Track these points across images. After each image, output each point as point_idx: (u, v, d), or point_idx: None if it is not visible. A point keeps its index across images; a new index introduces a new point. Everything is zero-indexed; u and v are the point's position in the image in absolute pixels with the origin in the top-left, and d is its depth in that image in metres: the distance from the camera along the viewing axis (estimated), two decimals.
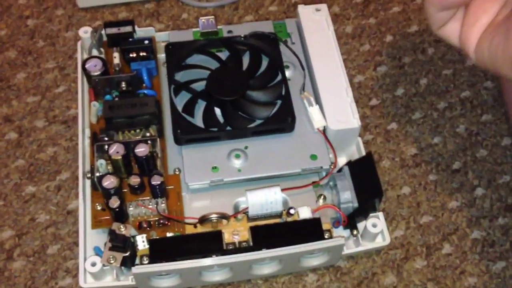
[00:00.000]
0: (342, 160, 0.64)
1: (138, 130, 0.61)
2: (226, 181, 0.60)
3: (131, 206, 0.57)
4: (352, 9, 0.79)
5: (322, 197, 0.61)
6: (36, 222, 0.62)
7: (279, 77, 0.64)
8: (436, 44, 0.76)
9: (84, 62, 0.63)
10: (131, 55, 0.66)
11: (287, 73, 0.66)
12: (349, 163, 0.60)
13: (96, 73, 0.62)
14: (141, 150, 0.58)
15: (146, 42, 0.66)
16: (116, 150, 0.57)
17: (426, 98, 0.72)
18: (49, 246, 0.61)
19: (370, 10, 0.79)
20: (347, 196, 0.58)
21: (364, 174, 0.59)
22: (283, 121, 0.61)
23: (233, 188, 0.60)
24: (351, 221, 0.59)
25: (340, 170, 0.61)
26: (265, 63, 0.66)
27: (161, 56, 0.68)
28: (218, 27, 0.69)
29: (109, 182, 0.56)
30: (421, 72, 0.74)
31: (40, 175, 0.65)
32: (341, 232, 0.60)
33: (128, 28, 0.67)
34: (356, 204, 0.58)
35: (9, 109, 0.69)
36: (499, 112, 0.71)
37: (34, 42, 0.74)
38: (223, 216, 0.57)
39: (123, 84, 0.63)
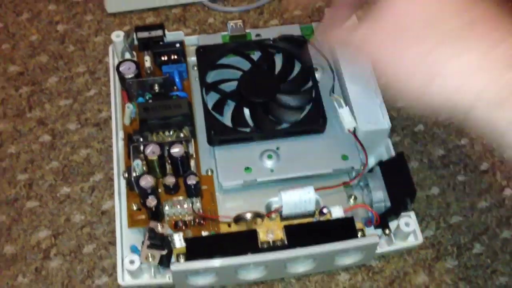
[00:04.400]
0: (371, 161, 0.64)
1: (171, 132, 0.62)
2: (259, 181, 0.61)
3: (166, 205, 0.58)
4: None
5: (353, 197, 0.61)
6: (71, 222, 0.63)
7: (310, 82, 0.65)
8: None
9: (118, 65, 0.64)
10: (162, 58, 0.67)
11: (317, 75, 0.67)
12: (380, 163, 0.61)
13: (129, 76, 0.64)
14: (176, 150, 0.59)
15: (177, 45, 0.67)
16: (152, 151, 0.58)
17: None
18: (85, 246, 0.61)
19: None
20: (380, 195, 0.59)
21: (396, 173, 0.59)
22: (314, 122, 0.62)
23: (265, 188, 0.61)
24: (383, 220, 0.59)
25: (371, 171, 0.61)
26: (295, 66, 0.67)
27: (191, 59, 0.69)
28: (246, 30, 0.70)
29: (146, 181, 0.57)
30: None
31: (74, 177, 0.66)
32: (372, 231, 0.60)
33: (158, 32, 0.68)
34: (388, 203, 0.58)
35: (42, 113, 0.70)
36: None
37: (65, 47, 0.76)
38: (257, 215, 0.58)
39: (156, 87, 0.64)
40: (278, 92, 0.64)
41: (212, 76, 0.66)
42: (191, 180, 0.58)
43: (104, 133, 0.69)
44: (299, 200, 0.58)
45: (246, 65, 0.67)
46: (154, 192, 0.57)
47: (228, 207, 0.60)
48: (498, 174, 0.68)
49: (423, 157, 0.68)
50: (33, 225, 0.62)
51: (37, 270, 0.60)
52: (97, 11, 0.79)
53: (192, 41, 0.71)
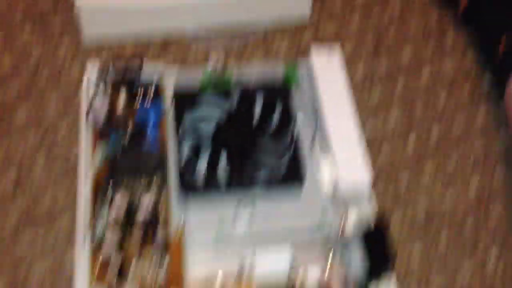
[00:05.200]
0: (353, 215, 0.61)
1: (141, 182, 0.59)
2: (232, 237, 0.58)
3: (132, 263, 0.55)
4: (364, 51, 0.77)
5: (333, 257, 0.58)
6: (32, 272, 0.60)
7: (289, 134, 0.62)
8: (449, 93, 0.74)
9: (89, 104, 0.61)
10: (137, 97, 0.64)
11: (298, 123, 0.64)
12: (359, 232, 0.58)
13: (100, 117, 0.61)
14: (146, 204, 0.56)
15: (154, 84, 0.64)
16: (119, 202, 0.56)
17: (438, 150, 0.70)
18: None
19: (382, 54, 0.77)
20: (357, 263, 0.56)
21: (375, 243, 0.57)
22: (291, 179, 0.60)
23: (239, 244, 0.58)
24: None
25: (349, 237, 0.58)
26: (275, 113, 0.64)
27: (168, 93, 0.66)
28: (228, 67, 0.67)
29: (108, 242, 0.54)
30: (434, 122, 0.72)
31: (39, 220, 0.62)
32: None
33: (135, 67, 0.65)
34: (364, 280, 0.56)
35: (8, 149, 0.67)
36: None
37: (36, 78, 0.72)
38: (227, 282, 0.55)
39: (127, 137, 0.61)
40: (255, 143, 0.61)
41: (189, 124, 0.63)
42: (158, 237, 0.55)
43: (75, 172, 0.65)
44: (272, 264, 0.56)
45: (224, 113, 0.64)
46: (119, 249, 0.54)
47: (198, 265, 0.57)
48: (483, 232, 0.65)
49: (406, 211, 0.66)
50: None
51: None
52: (73, 43, 0.75)
53: (171, 73, 0.68)
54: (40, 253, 0.61)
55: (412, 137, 0.70)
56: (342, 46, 0.76)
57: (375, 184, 0.66)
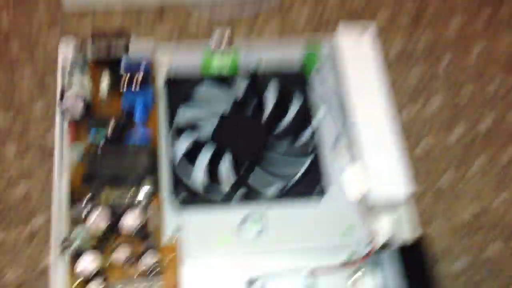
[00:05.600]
0: (384, 224, 0.51)
1: (127, 187, 0.48)
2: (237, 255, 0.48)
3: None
4: (402, 22, 0.64)
5: (357, 276, 0.48)
6: (4, 279, 0.50)
7: (308, 131, 0.51)
8: (503, 74, 0.62)
9: (61, 95, 0.49)
10: (122, 81, 0.52)
11: (319, 117, 0.52)
12: (395, 248, 0.47)
13: (75, 116, 0.49)
14: (131, 220, 0.45)
15: (142, 67, 0.52)
16: (98, 220, 0.45)
17: (489, 143, 0.58)
18: None
19: (423, 25, 0.64)
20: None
21: (414, 262, 0.46)
22: (309, 188, 0.49)
23: (246, 260, 0.48)
24: None
25: (382, 248, 0.48)
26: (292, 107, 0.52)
27: (162, 77, 0.54)
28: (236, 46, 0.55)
29: (86, 264, 0.43)
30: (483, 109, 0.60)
31: (10, 218, 0.53)
32: None
33: (121, 43, 0.53)
34: None
35: None
36: None
37: (8, 47, 0.61)
38: None
39: (110, 128, 0.49)
40: (265, 148, 0.50)
41: (184, 114, 0.51)
42: (148, 260, 0.45)
43: (51, 162, 0.55)
44: None
45: (227, 102, 0.52)
46: (98, 274, 0.44)
47: (197, 284, 0.47)
48: None
49: (448, 220, 0.55)
50: None
51: None
52: (53, 7, 0.63)
53: (165, 51, 0.56)
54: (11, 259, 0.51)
55: (458, 127, 0.59)
56: (375, 16, 0.63)
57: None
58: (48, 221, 0.53)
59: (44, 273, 0.52)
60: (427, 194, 0.56)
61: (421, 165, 0.57)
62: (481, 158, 0.57)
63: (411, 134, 0.57)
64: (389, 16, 0.63)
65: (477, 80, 0.61)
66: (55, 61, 0.59)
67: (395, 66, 0.61)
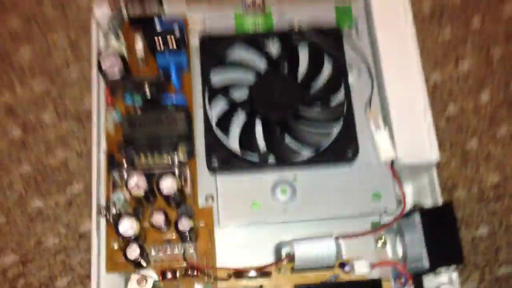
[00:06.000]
0: (408, 191, 0.52)
1: (163, 152, 0.49)
2: (268, 218, 0.49)
3: (153, 250, 0.47)
4: None
5: (382, 241, 0.50)
6: (43, 246, 0.53)
7: (342, 92, 0.51)
8: None
9: (99, 60, 0.50)
10: (157, 45, 0.53)
11: (350, 79, 0.53)
12: (422, 211, 0.49)
13: (113, 75, 0.50)
14: (167, 186, 0.47)
15: (176, 30, 0.52)
16: (136, 184, 0.47)
17: None
18: (58, 278, 0.52)
19: None
20: (416, 253, 0.48)
21: (440, 228, 0.48)
22: (342, 152, 0.50)
23: (275, 226, 0.50)
24: (417, 280, 0.49)
25: (408, 214, 0.49)
26: (324, 66, 0.53)
27: (195, 42, 0.55)
28: (267, 7, 0.55)
29: (127, 227, 0.46)
30: None
31: (48, 186, 0.55)
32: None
33: (154, 8, 0.53)
34: (426, 265, 0.47)
35: (12, 97, 0.57)
36: None
37: (41, 8, 0.61)
38: (263, 273, 0.47)
39: (147, 88, 0.50)
40: (300, 105, 0.50)
41: (219, 75, 0.52)
42: (183, 226, 0.46)
43: (87, 130, 0.57)
44: (315, 254, 0.47)
45: (262, 62, 0.53)
46: (137, 238, 0.46)
47: (230, 245, 0.50)
48: None
49: (473, 185, 0.56)
50: None
51: None
52: None
53: (198, 16, 0.56)
54: (53, 223, 0.54)
55: (486, 92, 0.59)
56: None
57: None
58: (85, 189, 0.55)
59: (83, 238, 0.54)
60: (453, 159, 0.56)
61: (449, 129, 0.57)
62: (506, 125, 0.57)
63: (441, 96, 0.57)
64: None
65: (507, 40, 0.60)
66: (87, 23, 0.60)
67: (427, 24, 0.61)
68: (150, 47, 0.53)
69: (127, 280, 0.47)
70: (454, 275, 0.49)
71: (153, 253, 0.48)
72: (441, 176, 0.55)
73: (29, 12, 0.61)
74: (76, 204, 0.54)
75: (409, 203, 0.52)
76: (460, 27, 0.61)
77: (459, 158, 0.57)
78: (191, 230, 0.47)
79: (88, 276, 0.51)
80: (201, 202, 0.50)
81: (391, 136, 0.50)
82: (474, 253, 0.54)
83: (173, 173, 0.48)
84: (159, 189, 0.47)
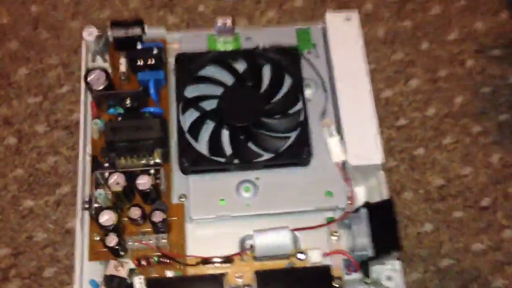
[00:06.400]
0: (362, 194, 0.59)
1: (141, 155, 0.56)
2: (233, 216, 0.56)
3: (130, 240, 0.54)
4: (386, 9, 0.71)
5: (335, 235, 0.56)
6: (33, 240, 0.59)
7: (299, 103, 0.58)
8: (477, 56, 0.69)
9: (86, 74, 0.58)
10: (138, 63, 0.60)
11: (307, 92, 0.60)
12: (368, 205, 0.55)
13: (98, 87, 0.57)
14: (143, 182, 0.53)
15: (155, 51, 0.60)
16: (116, 181, 0.53)
17: (460, 120, 0.66)
18: (46, 268, 0.58)
19: (407, 11, 0.71)
20: (362, 243, 0.54)
21: (383, 220, 0.54)
22: (298, 155, 0.57)
23: (240, 221, 0.56)
24: (364, 267, 0.55)
25: (357, 210, 0.56)
26: (285, 80, 0.60)
27: (172, 60, 0.62)
28: (235, 29, 0.63)
29: (107, 218, 0.52)
30: (457, 88, 0.67)
31: (39, 188, 0.61)
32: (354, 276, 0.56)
33: (137, 31, 0.61)
34: (370, 253, 0.54)
35: (8, 110, 0.64)
36: None
37: (37, 33, 0.69)
38: (227, 260, 0.53)
39: (128, 101, 0.58)
40: (262, 115, 0.57)
41: (192, 90, 0.59)
42: (157, 217, 0.53)
43: (75, 138, 0.63)
44: (273, 243, 0.54)
45: (230, 77, 0.60)
46: (116, 229, 0.52)
47: (199, 238, 0.56)
48: (499, 212, 0.62)
49: (419, 187, 0.62)
50: None
51: None
52: None
53: (175, 38, 0.63)
54: (42, 220, 0.60)
55: (432, 106, 0.66)
56: (362, 5, 0.70)
57: (387, 157, 0.63)
58: (71, 190, 0.62)
59: (69, 234, 0.60)
60: (402, 165, 0.63)
61: (399, 138, 0.64)
62: (450, 135, 0.65)
63: (392, 109, 0.65)
64: (374, 6, 0.70)
65: (451, 63, 0.68)
66: (77, 50, 0.67)
67: (381, 48, 0.69)
68: (132, 65, 0.61)
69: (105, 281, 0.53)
70: (397, 263, 0.55)
71: (130, 243, 0.54)
72: (391, 179, 0.61)
73: (27, 36, 0.69)
74: (64, 204, 0.61)
75: (361, 201, 0.58)
76: (410, 50, 0.69)
77: (408, 164, 0.64)
78: (164, 222, 0.53)
79: (72, 267, 0.57)
80: (174, 199, 0.57)
81: (342, 142, 0.57)
82: (419, 247, 0.60)
83: (149, 173, 0.55)
84: (135, 186, 0.54)
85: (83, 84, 0.60)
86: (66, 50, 0.68)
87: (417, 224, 0.61)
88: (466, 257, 0.60)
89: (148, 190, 0.54)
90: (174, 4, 0.71)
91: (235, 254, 0.55)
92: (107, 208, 0.53)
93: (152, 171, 0.55)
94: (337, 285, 0.53)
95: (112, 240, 0.52)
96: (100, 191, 0.54)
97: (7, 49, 0.68)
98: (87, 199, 0.55)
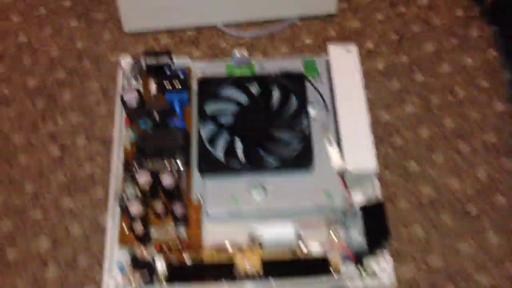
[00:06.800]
0: (358, 197, 0.66)
1: (166, 159, 0.65)
2: (244, 212, 0.64)
3: (153, 229, 0.62)
4: (385, 46, 0.81)
5: (334, 232, 0.64)
6: (70, 233, 0.68)
7: (304, 119, 0.67)
8: (467, 86, 0.77)
9: (122, 93, 0.68)
10: (166, 86, 0.70)
11: (312, 112, 0.69)
12: (363, 207, 0.63)
13: (132, 104, 0.67)
14: (167, 180, 0.62)
15: (181, 75, 0.70)
16: (144, 179, 0.62)
17: (450, 141, 0.73)
18: (80, 257, 0.66)
19: (404, 48, 0.81)
20: (357, 237, 0.61)
21: (375, 219, 0.61)
22: (302, 160, 0.65)
23: (250, 218, 0.64)
24: (359, 259, 0.62)
25: (353, 210, 0.63)
26: (292, 101, 0.69)
27: (195, 83, 0.72)
28: (251, 60, 0.73)
29: (135, 208, 0.60)
30: (448, 113, 0.75)
31: (77, 191, 0.70)
32: (349, 264, 0.63)
33: (166, 59, 0.71)
34: (364, 245, 0.61)
35: (54, 127, 0.75)
36: None
37: (81, 64, 0.80)
38: (238, 248, 0.61)
39: (156, 115, 0.67)
40: (271, 128, 0.66)
41: (211, 107, 0.69)
42: (178, 209, 0.61)
43: (109, 150, 0.73)
44: (278, 235, 0.61)
45: (244, 98, 0.69)
46: (142, 218, 0.61)
47: (213, 234, 0.64)
48: (484, 218, 0.68)
49: (412, 196, 0.70)
50: (35, 234, 0.68)
51: (34, 277, 0.65)
52: (115, 30, 0.83)
53: (199, 67, 0.74)
54: (79, 217, 0.69)
55: (425, 128, 0.74)
56: (365, 41, 0.80)
57: (384, 170, 0.71)
58: (105, 194, 0.70)
59: (100, 229, 0.68)
60: (397, 177, 0.71)
61: (396, 155, 0.72)
62: (441, 153, 0.72)
63: (390, 130, 0.73)
64: (375, 44, 0.80)
65: (443, 92, 0.76)
66: (114, 78, 0.78)
67: (380, 79, 0.78)
68: (161, 87, 0.71)
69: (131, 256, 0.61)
70: (388, 257, 0.62)
71: (153, 232, 0.62)
72: (388, 189, 0.69)
73: (72, 67, 0.80)
74: (98, 205, 0.70)
75: (357, 203, 0.65)
76: (406, 81, 0.78)
77: (402, 176, 0.71)
78: (184, 215, 0.62)
79: (103, 253, 0.65)
80: (194, 197, 0.66)
81: (341, 152, 0.66)
82: (410, 246, 0.67)
83: (172, 174, 0.63)
84: (160, 183, 0.62)
85: (118, 101, 0.71)
86: (105, 78, 0.79)
87: (409, 228, 0.68)
88: (453, 256, 0.66)
89: (171, 188, 0.62)
90: (199, 42, 0.82)
91: (245, 245, 0.62)
92: (136, 200, 0.62)
93: (175, 174, 0.64)
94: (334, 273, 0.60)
95: (139, 227, 0.60)
96: (130, 187, 0.63)
97: (55, 77, 0.79)
98: (119, 195, 0.64)
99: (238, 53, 0.72)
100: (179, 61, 0.73)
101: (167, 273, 0.60)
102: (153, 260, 0.60)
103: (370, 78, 0.77)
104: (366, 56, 0.79)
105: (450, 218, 0.68)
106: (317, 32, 0.82)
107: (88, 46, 0.82)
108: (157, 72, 0.71)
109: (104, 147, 0.73)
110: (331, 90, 0.70)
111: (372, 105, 0.75)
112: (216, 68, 0.72)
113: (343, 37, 0.80)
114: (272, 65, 0.72)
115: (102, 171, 0.72)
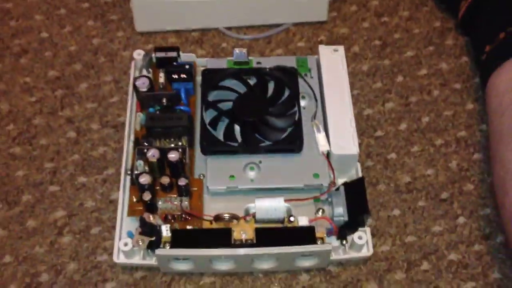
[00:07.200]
0: (342, 181, 0.75)
1: (172, 139, 0.74)
2: (240, 188, 0.72)
3: (160, 201, 0.70)
4: (370, 50, 0.90)
5: (320, 210, 0.72)
6: (84, 206, 0.75)
7: (295, 107, 0.76)
8: (442, 88, 0.86)
9: (134, 80, 0.76)
10: (173, 76, 0.79)
11: (303, 102, 0.78)
12: (345, 184, 0.71)
13: (143, 90, 0.76)
14: (173, 156, 0.70)
15: (187, 66, 0.79)
16: (152, 154, 0.70)
17: (426, 134, 0.82)
18: (92, 228, 0.74)
19: (386, 53, 0.90)
20: (340, 211, 0.69)
21: (356, 194, 0.69)
22: (293, 143, 0.73)
23: (246, 195, 0.72)
24: (341, 232, 0.70)
25: (337, 189, 0.72)
26: (285, 92, 0.78)
27: (199, 78, 0.81)
28: (250, 58, 0.82)
29: (144, 179, 0.68)
30: (425, 110, 0.84)
31: (91, 169, 0.78)
32: (333, 241, 0.71)
33: (173, 54, 0.80)
34: (346, 218, 0.69)
35: (71, 112, 0.83)
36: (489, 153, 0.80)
37: (97, 58, 0.89)
38: (234, 217, 0.69)
39: (164, 100, 0.76)
40: (266, 113, 0.75)
41: (213, 96, 0.78)
42: (182, 182, 0.69)
43: (120, 134, 0.81)
44: (270, 207, 0.69)
45: (243, 88, 0.78)
46: (150, 188, 0.69)
47: (212, 207, 0.72)
48: (455, 204, 0.76)
49: (391, 182, 0.78)
50: (52, 206, 0.75)
51: (51, 243, 0.73)
52: (128, 29, 0.92)
53: (202, 62, 0.83)
54: (92, 192, 0.77)
55: (404, 123, 0.83)
56: (352, 46, 0.90)
57: (366, 158, 0.79)
58: (116, 172, 0.78)
59: (112, 203, 0.76)
60: (378, 165, 0.79)
61: (376, 144, 0.81)
62: (417, 145, 0.81)
63: (371, 124, 0.82)
64: (361, 48, 0.89)
65: (421, 92, 0.85)
66: (126, 71, 0.87)
67: (364, 79, 0.87)
68: (169, 78, 0.80)
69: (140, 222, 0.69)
70: (368, 231, 0.70)
71: (159, 203, 0.70)
72: (368, 175, 0.77)
73: (88, 60, 0.89)
74: (109, 181, 0.77)
75: (341, 182, 0.73)
76: (388, 81, 0.87)
77: (382, 164, 0.79)
78: (187, 186, 0.70)
79: (113, 227, 0.73)
80: (196, 175, 0.74)
81: (327, 137, 0.74)
82: (389, 227, 0.75)
83: (178, 150, 0.71)
84: (167, 159, 0.71)
85: (130, 91, 0.79)
86: (118, 71, 0.87)
87: (388, 209, 0.76)
88: (426, 236, 0.74)
89: (176, 163, 0.70)
90: (203, 42, 0.91)
91: (240, 217, 0.70)
92: (145, 173, 0.70)
93: (180, 150, 0.72)
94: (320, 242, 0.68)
95: (147, 196, 0.68)
96: (140, 161, 0.71)
97: (73, 69, 0.87)
98: (130, 168, 0.72)
99: (238, 50, 0.81)
100: (185, 55, 0.82)
101: (171, 239, 0.67)
102: (159, 227, 0.68)
103: (355, 78, 0.86)
104: (352, 59, 0.88)
105: (425, 202, 0.76)
106: (309, 36, 0.91)
107: (103, 42, 0.90)
108: (166, 64, 0.80)
109: (115, 131, 0.81)
110: (320, 83, 0.79)
111: (357, 101, 0.83)
112: (218, 64, 0.81)
113: (332, 41, 0.89)
114: (268, 62, 0.81)
115: (114, 152, 0.80)
